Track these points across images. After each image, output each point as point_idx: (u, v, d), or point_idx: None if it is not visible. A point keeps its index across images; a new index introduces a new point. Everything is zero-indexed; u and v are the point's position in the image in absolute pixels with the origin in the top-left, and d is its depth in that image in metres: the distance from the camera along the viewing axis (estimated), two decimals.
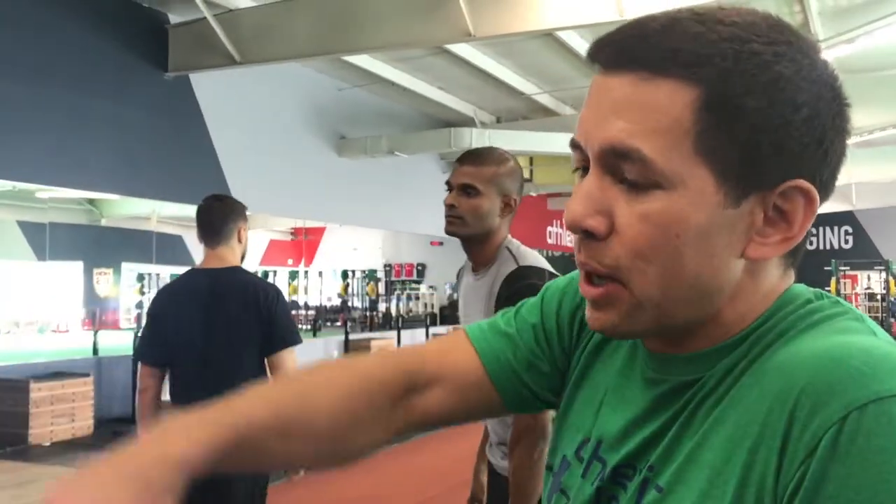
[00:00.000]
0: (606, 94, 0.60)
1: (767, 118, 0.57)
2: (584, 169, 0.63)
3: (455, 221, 2.03)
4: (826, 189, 0.61)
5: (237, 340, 2.78)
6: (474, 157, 2.06)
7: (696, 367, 0.63)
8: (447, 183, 2.07)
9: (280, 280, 17.22)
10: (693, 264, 0.59)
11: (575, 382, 0.80)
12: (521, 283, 1.89)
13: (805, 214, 0.60)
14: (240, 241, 2.91)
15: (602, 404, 0.74)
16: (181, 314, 2.83)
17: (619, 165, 0.59)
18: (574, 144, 0.63)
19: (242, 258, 2.97)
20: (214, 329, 2.79)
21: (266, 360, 2.79)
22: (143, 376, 2.85)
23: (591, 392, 0.77)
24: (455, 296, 2.22)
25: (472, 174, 2.03)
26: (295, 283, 18.68)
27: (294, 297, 17.63)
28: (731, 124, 0.57)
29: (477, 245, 2.07)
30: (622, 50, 0.60)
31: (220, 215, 2.90)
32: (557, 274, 1.91)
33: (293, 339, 2.81)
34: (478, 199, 2.02)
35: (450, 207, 2.03)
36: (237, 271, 2.90)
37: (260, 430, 0.69)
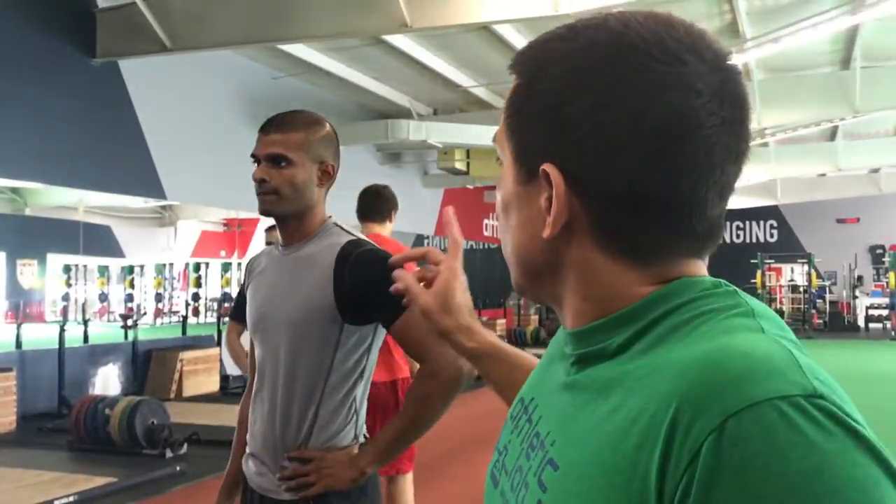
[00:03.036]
0: None
1: (531, 107, 0.67)
2: None
3: (269, 198, 1.77)
4: (595, 179, 0.63)
5: None
6: (280, 123, 1.80)
7: (586, 342, 0.67)
8: (253, 156, 1.81)
9: (212, 272, 16.96)
10: (510, 231, 0.71)
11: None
12: (365, 249, 1.75)
13: (554, 195, 0.64)
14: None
15: (539, 372, 0.81)
16: None
17: None
18: None
19: None
20: None
21: None
22: None
23: (539, 366, 0.83)
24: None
25: (281, 142, 1.77)
26: (228, 275, 18.38)
27: (227, 290, 17.34)
28: (519, 111, 0.68)
29: (296, 222, 1.82)
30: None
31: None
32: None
33: None
34: (291, 169, 1.77)
35: (260, 183, 1.77)
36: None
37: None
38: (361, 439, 1.81)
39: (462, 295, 1.04)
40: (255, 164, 1.79)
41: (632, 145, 0.61)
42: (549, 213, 0.64)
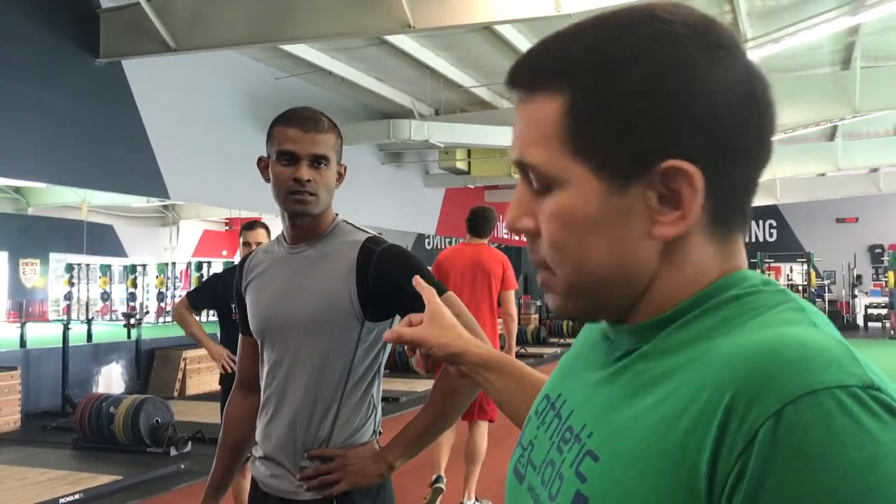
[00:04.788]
0: (516, 114, 0.70)
1: (618, 112, 0.62)
2: None
3: (311, 198, 1.72)
4: (720, 160, 0.63)
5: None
6: (316, 122, 1.74)
7: (638, 338, 0.67)
8: (287, 152, 1.72)
9: (214, 271, 17.00)
10: (600, 251, 0.65)
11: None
12: (386, 246, 1.74)
13: (689, 191, 0.62)
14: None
15: (566, 368, 0.81)
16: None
17: (527, 174, 0.68)
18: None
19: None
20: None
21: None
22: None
23: (564, 362, 0.83)
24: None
25: (324, 143, 1.73)
26: None
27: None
28: (591, 123, 0.64)
29: (312, 222, 1.78)
30: (514, 75, 0.69)
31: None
32: None
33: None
34: (328, 170, 1.75)
35: (304, 182, 1.71)
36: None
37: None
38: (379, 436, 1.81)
39: (451, 316, 1.08)
40: (286, 162, 1.73)
41: (748, 131, 0.63)
42: (666, 212, 0.63)
